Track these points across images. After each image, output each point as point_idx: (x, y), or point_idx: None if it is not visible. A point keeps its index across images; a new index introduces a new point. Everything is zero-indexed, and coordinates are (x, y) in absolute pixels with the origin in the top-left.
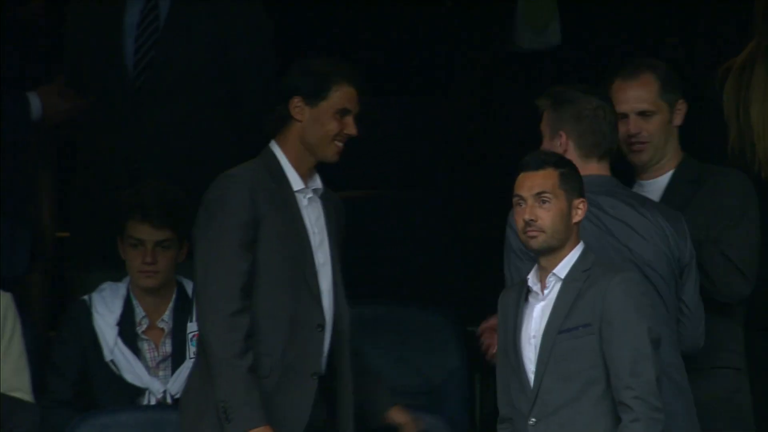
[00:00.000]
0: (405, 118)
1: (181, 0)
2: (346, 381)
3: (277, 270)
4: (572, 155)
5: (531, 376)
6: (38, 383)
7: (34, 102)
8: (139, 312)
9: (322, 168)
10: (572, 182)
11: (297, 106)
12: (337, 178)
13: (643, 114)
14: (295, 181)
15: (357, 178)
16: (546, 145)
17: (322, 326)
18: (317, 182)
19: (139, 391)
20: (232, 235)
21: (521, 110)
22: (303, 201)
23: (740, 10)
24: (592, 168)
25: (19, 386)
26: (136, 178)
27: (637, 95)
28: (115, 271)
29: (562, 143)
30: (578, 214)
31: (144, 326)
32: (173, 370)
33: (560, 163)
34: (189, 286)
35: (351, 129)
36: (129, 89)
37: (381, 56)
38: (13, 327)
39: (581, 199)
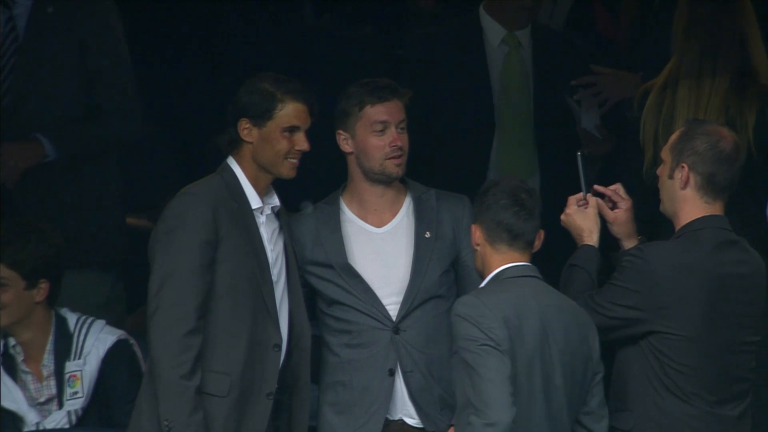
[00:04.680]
0: None
1: (36, 15)
2: (304, 399)
3: (236, 289)
4: None
5: None
6: None
7: None
8: (12, 341)
9: None
10: None
11: (245, 127)
12: None
13: None
14: (254, 199)
15: None
16: None
17: (278, 346)
18: (275, 200)
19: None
20: (191, 255)
21: None
22: (260, 218)
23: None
24: None
25: None
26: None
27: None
28: None
29: None
30: None
31: (21, 355)
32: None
33: None
34: (71, 321)
35: (302, 145)
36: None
37: None
38: None
39: None
